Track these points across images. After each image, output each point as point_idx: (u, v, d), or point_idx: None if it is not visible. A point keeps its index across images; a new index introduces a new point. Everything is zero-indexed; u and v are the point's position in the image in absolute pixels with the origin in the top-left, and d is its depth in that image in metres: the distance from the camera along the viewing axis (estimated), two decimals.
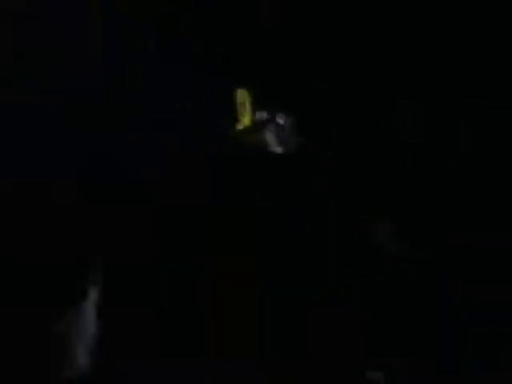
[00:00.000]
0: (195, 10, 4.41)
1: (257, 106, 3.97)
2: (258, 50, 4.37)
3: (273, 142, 3.89)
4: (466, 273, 3.97)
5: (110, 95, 4.22)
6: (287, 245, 4.07)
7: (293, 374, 3.76)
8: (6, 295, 3.72)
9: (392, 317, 3.87)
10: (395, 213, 4.08)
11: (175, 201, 4.05)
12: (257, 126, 3.92)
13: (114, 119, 4.20)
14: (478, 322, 3.87)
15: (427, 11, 4.42)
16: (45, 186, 4.04)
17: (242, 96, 3.93)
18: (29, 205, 4.00)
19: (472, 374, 3.73)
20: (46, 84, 4.22)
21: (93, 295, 3.62)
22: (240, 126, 3.94)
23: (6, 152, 4.10)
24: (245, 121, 3.93)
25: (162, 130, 4.26)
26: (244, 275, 4.00)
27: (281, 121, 3.94)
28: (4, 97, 4.18)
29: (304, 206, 4.15)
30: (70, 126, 4.21)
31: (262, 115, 3.97)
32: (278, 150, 3.90)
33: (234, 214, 4.14)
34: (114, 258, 3.83)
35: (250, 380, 3.78)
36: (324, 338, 3.84)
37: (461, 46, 4.37)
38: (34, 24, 4.25)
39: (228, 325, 3.87)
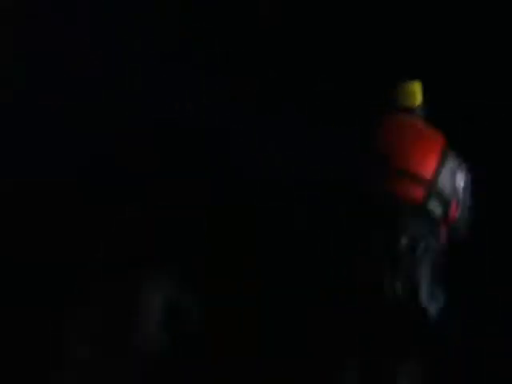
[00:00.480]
0: (195, 10, 4.42)
1: None
2: (258, 49, 4.37)
3: None
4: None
5: (110, 95, 4.22)
6: (287, 245, 4.07)
7: (293, 374, 3.76)
8: (5, 294, 3.72)
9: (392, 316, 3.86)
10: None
11: (175, 200, 4.05)
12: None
13: (114, 119, 4.20)
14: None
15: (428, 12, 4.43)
16: (45, 186, 4.04)
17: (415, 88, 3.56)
18: (29, 205, 4.01)
19: None
20: (45, 84, 4.23)
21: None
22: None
23: (6, 152, 4.11)
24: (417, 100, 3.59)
25: (162, 129, 4.27)
26: (244, 276, 4.00)
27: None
28: (4, 97, 4.19)
29: (306, 206, 4.15)
30: (70, 125, 4.21)
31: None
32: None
33: (234, 214, 4.14)
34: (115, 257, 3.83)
35: (250, 380, 3.77)
36: (324, 338, 3.84)
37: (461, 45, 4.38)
38: (34, 24, 4.26)
39: (228, 325, 3.87)
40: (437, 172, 3.27)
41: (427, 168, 3.28)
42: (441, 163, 3.29)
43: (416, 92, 3.58)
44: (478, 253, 3.99)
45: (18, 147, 4.15)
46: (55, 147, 4.18)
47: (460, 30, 4.41)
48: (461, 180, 3.38)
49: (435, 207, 3.26)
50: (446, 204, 3.30)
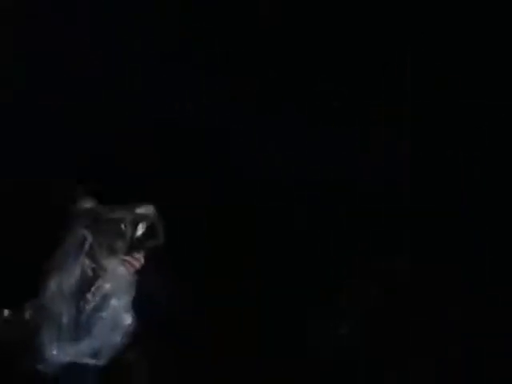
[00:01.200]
0: (195, 10, 4.42)
1: None
2: (258, 49, 4.37)
3: None
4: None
5: (110, 95, 4.22)
6: (287, 245, 4.08)
7: (293, 374, 3.76)
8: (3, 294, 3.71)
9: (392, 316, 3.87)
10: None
11: (176, 200, 4.05)
12: None
13: (114, 119, 4.21)
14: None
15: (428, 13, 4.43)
16: (45, 186, 4.04)
17: None
18: (28, 205, 4.01)
19: None
20: (46, 84, 4.23)
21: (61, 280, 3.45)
22: None
23: (6, 152, 4.11)
24: None
25: (162, 129, 4.27)
26: (244, 276, 4.01)
27: None
28: (4, 97, 4.19)
29: (306, 206, 4.17)
30: (70, 125, 4.22)
31: None
32: None
33: (234, 214, 4.15)
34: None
35: (250, 380, 3.77)
36: (324, 338, 3.84)
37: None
38: (34, 24, 4.27)
39: (228, 325, 3.88)
40: None
41: None
42: None
43: None
44: (477, 253, 3.99)
45: (18, 147, 4.15)
46: (55, 147, 4.19)
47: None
48: None
49: None
50: None
